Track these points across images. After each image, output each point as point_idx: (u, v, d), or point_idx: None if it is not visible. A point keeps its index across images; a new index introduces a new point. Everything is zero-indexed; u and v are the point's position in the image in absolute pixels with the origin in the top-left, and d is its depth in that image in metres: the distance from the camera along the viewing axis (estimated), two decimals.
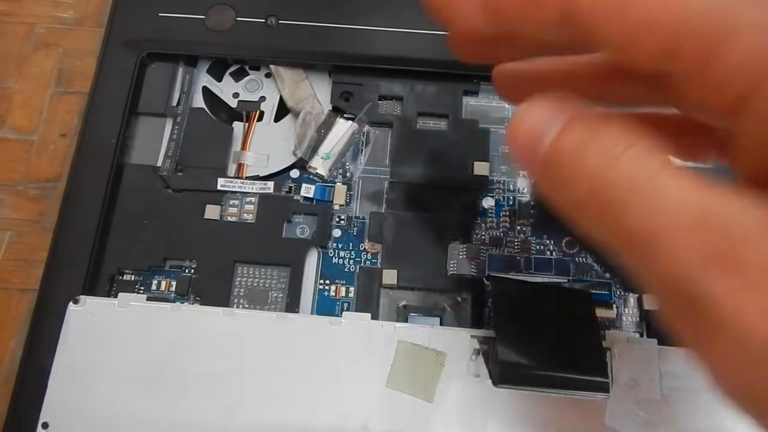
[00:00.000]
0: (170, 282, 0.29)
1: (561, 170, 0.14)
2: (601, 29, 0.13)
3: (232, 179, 0.30)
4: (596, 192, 0.13)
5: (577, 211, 0.14)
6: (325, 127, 0.31)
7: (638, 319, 0.28)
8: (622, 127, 0.13)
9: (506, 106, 0.32)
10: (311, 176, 0.31)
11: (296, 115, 0.32)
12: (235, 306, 0.28)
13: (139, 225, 0.29)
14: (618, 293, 0.29)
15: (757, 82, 0.12)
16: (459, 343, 0.25)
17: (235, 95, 0.33)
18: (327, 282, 0.29)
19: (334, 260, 0.29)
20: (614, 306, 0.28)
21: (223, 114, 0.33)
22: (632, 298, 0.28)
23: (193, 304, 0.28)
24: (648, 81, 0.15)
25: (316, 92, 0.32)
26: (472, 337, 0.25)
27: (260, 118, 0.32)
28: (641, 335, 0.28)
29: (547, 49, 0.16)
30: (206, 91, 0.33)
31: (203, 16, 0.33)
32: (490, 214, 0.30)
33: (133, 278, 0.29)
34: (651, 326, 0.28)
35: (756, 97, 0.12)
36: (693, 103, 0.13)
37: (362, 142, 0.31)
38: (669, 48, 0.12)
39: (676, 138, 0.16)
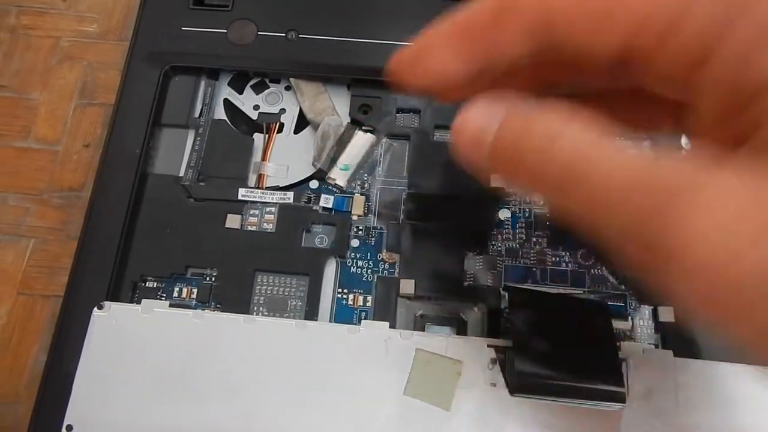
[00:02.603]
0: (191, 289, 0.29)
1: (505, 163, 0.15)
2: (573, 26, 0.14)
3: (252, 189, 0.31)
4: (540, 176, 0.14)
5: (532, 191, 0.14)
6: (344, 139, 0.32)
7: (653, 330, 0.28)
8: (556, 110, 0.14)
9: None
10: (330, 187, 0.31)
11: (315, 127, 0.32)
12: (254, 313, 0.29)
13: (161, 233, 0.30)
14: (633, 305, 0.29)
15: (714, 46, 0.13)
16: (476, 352, 0.26)
17: (256, 107, 0.34)
18: (345, 291, 0.29)
19: (353, 269, 0.30)
20: (629, 317, 0.28)
21: (244, 126, 0.33)
22: (647, 310, 0.29)
23: (213, 311, 0.29)
24: (601, 67, 0.15)
25: (335, 105, 0.33)
26: (488, 346, 0.26)
27: (280, 130, 0.33)
28: (656, 347, 0.28)
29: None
30: (227, 103, 0.34)
31: (225, 31, 0.33)
32: (506, 226, 0.30)
33: (155, 285, 0.29)
34: (666, 338, 0.28)
35: (713, 61, 0.13)
36: (654, 76, 0.14)
37: (380, 153, 0.32)
38: (635, 26, 0.13)
39: (629, 113, 0.17)
